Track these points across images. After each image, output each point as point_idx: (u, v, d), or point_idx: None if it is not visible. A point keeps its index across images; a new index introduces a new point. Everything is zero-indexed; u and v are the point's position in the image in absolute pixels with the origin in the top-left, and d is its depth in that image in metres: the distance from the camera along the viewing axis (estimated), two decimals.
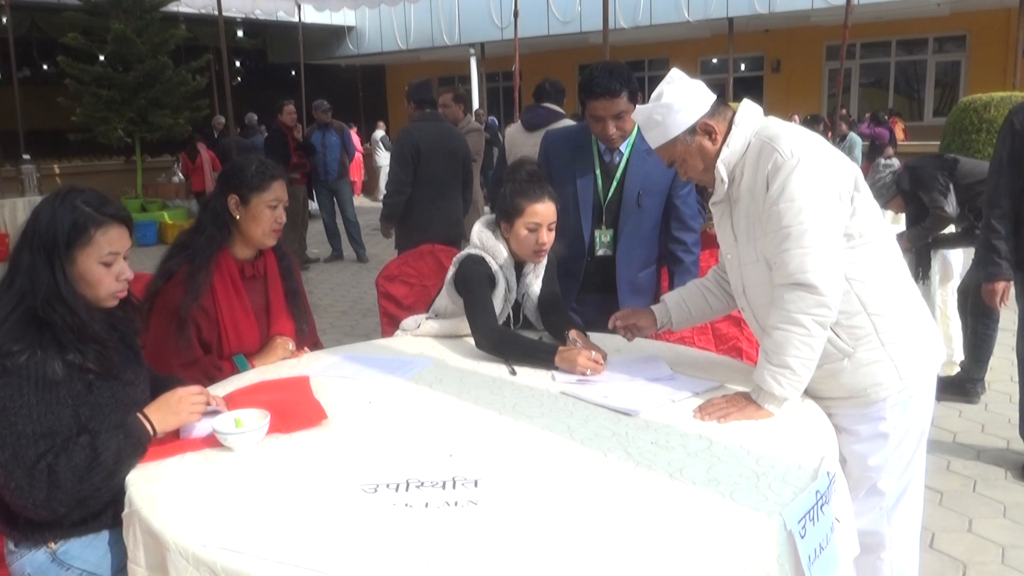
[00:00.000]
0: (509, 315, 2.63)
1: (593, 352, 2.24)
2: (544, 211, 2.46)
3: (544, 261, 2.61)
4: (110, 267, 1.76)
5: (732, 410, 1.85)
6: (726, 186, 1.95)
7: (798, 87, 18.68)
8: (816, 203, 1.79)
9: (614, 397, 2.00)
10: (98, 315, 1.77)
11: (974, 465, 3.56)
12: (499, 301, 2.53)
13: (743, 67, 19.59)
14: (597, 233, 2.92)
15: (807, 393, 1.94)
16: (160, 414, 1.79)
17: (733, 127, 1.93)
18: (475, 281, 2.48)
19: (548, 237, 2.49)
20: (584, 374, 2.17)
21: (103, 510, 1.71)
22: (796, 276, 1.79)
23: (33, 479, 1.60)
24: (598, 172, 2.89)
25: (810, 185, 1.79)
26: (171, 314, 2.29)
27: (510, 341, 2.41)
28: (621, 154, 2.87)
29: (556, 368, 2.24)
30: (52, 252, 1.69)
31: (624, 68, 2.73)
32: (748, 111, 1.96)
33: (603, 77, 2.67)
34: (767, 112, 1.99)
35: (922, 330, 1.98)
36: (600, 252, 2.94)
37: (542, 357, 2.28)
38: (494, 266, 2.52)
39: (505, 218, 2.51)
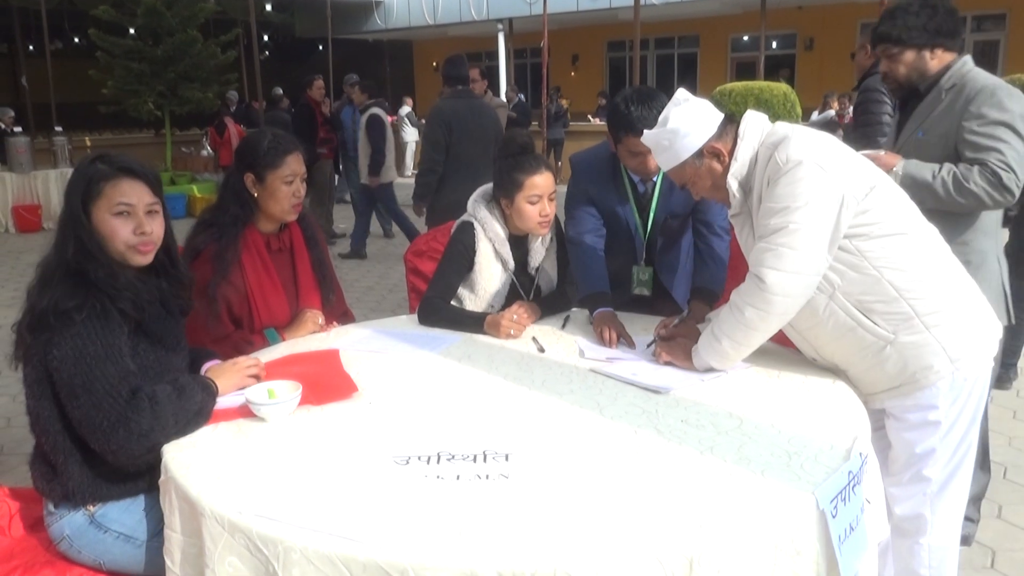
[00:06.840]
0: (513, 282, 2.61)
1: (517, 314, 2.38)
2: (543, 182, 2.48)
3: (549, 234, 2.62)
4: (125, 219, 1.78)
5: (677, 353, 2.05)
6: (738, 198, 1.96)
7: (831, 66, 18.32)
8: (805, 207, 1.78)
9: (643, 375, 2.00)
10: (131, 272, 1.81)
11: (1004, 451, 3.52)
12: (491, 271, 2.57)
13: (775, 45, 19.26)
14: (635, 270, 2.66)
15: (857, 390, 1.92)
16: (221, 380, 1.87)
17: (739, 140, 1.93)
18: (446, 254, 2.60)
19: (551, 207, 2.52)
20: (509, 335, 2.34)
21: (140, 475, 1.75)
22: (754, 268, 1.86)
23: (138, 407, 1.65)
24: (634, 206, 2.61)
25: (801, 189, 1.79)
26: (200, 292, 2.31)
27: (436, 310, 2.53)
28: (654, 183, 2.60)
29: (485, 332, 2.38)
30: (75, 210, 1.76)
31: (659, 96, 2.35)
32: (752, 121, 1.95)
33: (641, 111, 2.33)
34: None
35: (974, 313, 1.93)
36: (637, 291, 2.67)
37: (469, 325, 2.42)
38: (480, 233, 2.56)
39: (504, 194, 2.52)
